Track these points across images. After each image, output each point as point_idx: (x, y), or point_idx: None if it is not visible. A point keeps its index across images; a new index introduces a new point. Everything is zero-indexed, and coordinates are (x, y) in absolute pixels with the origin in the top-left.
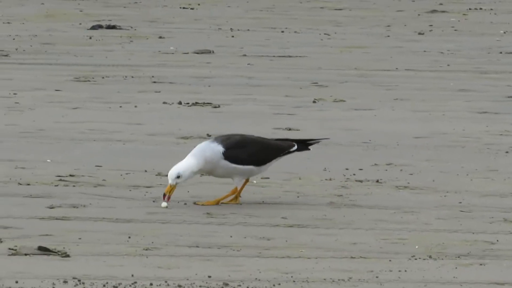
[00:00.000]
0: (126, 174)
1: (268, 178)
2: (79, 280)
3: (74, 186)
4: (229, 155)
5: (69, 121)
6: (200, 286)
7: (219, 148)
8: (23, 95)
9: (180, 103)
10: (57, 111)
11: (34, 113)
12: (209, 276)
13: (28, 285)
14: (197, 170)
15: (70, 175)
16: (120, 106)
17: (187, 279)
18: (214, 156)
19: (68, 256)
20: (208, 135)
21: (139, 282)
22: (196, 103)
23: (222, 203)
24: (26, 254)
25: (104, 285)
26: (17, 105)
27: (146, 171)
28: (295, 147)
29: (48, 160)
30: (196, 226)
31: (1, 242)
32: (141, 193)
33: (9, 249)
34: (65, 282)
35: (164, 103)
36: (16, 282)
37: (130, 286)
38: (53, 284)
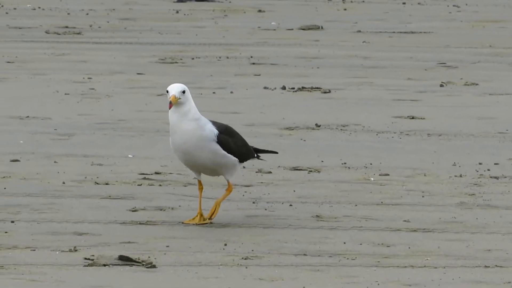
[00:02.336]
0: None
1: (388, 175)
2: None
3: (160, 185)
4: (221, 140)
5: (154, 110)
6: None
7: (214, 129)
8: (99, 80)
9: (283, 88)
10: (139, 99)
11: (112, 101)
12: None
13: None
14: (194, 110)
15: (156, 173)
16: (214, 92)
17: None
18: (208, 133)
19: (154, 266)
20: (317, 125)
21: None
22: (303, 88)
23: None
24: (105, 265)
25: None
26: (93, 91)
27: (244, 167)
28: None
29: (129, 156)
30: (303, 231)
31: (76, 251)
32: (238, 193)
33: (85, 259)
34: None
35: (265, 88)
36: None
37: None
38: None
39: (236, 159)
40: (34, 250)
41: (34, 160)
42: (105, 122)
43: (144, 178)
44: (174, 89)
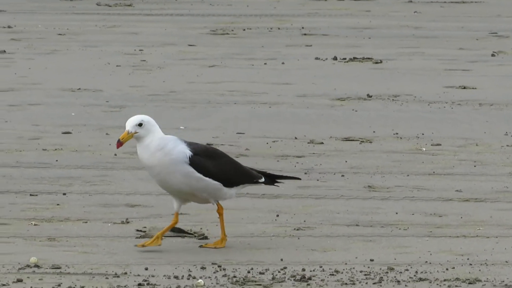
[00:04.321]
0: (273, 142)
1: (440, 145)
2: (219, 266)
3: None
4: (196, 162)
5: (205, 81)
6: (360, 272)
7: (186, 151)
8: (150, 51)
9: (335, 58)
10: (191, 70)
11: (164, 73)
12: (371, 260)
13: (160, 272)
14: (159, 137)
15: (208, 144)
16: (265, 63)
17: (345, 264)
18: (177, 155)
19: (206, 238)
20: (369, 96)
21: (290, 268)
22: (354, 58)
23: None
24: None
25: (248, 272)
26: (144, 63)
27: (296, 138)
28: (262, 179)
29: (181, 127)
30: (355, 202)
31: (128, 223)
32: (290, 164)
33: (137, 231)
34: (202, 268)
35: (317, 58)
36: (146, 269)
37: (279, 272)
38: (189, 270)
39: (218, 183)
40: (86, 222)
41: (85, 132)
42: (156, 94)
43: None
44: (129, 123)
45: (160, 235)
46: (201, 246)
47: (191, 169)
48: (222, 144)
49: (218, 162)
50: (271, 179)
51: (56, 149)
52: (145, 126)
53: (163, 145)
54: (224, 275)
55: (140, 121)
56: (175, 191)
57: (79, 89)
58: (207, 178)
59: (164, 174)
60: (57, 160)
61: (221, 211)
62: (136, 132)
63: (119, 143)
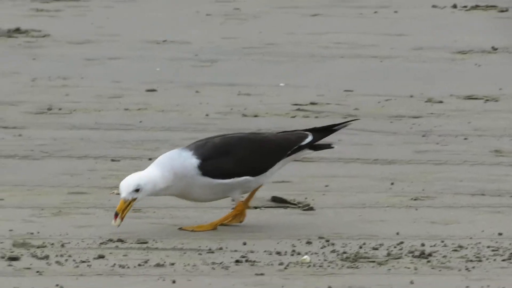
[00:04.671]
0: (386, 100)
1: None
2: (327, 241)
3: (316, 117)
4: (208, 169)
5: (307, 32)
6: (487, 247)
7: (193, 161)
8: None
9: (454, 6)
10: (291, 19)
11: (260, 23)
12: (500, 234)
13: (260, 247)
14: (164, 186)
15: (311, 103)
16: (375, 12)
17: (470, 238)
18: (187, 172)
19: (311, 209)
20: (494, 49)
21: (407, 243)
22: (477, 6)
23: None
24: (256, 208)
25: (360, 247)
26: (238, 12)
27: (412, 96)
28: (308, 138)
29: (281, 84)
30: (480, 168)
31: None
32: (406, 126)
33: (233, 201)
34: (308, 243)
35: (434, 6)
36: (244, 243)
37: (395, 247)
38: (293, 245)
39: (244, 178)
40: None
41: (173, 89)
42: (252, 47)
43: (299, 110)
44: (123, 189)
45: (216, 224)
46: (180, 229)
47: (207, 179)
48: (328, 103)
49: (236, 155)
50: (326, 131)
51: (139, 109)
52: (143, 189)
53: (172, 172)
54: (333, 251)
55: (136, 187)
56: (204, 201)
57: (165, 41)
58: (228, 180)
59: (189, 195)
60: (141, 121)
61: (240, 208)
62: (134, 199)
63: (117, 216)
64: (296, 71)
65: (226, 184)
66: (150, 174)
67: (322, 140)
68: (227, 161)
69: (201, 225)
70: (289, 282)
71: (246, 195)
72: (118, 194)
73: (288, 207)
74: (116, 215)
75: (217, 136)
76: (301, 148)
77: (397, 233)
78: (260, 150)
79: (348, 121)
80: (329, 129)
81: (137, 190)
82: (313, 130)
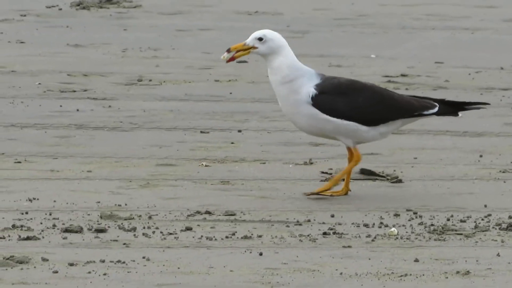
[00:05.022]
0: (476, 72)
1: None
2: (414, 213)
3: (407, 89)
4: (319, 102)
5: (399, 4)
6: None
7: (310, 90)
8: None
9: None
10: None
11: None
12: None
13: (348, 219)
14: (278, 73)
15: (402, 75)
16: None
17: None
18: (301, 96)
19: (400, 181)
20: None
21: (494, 215)
22: None
23: (322, 194)
24: (344, 180)
25: (448, 219)
26: None
27: (502, 68)
28: (435, 109)
29: (372, 56)
30: None
31: (311, 163)
32: (496, 98)
33: (322, 173)
34: (396, 215)
35: None
36: (332, 216)
37: (482, 220)
38: (381, 218)
39: (353, 123)
40: (264, 163)
41: (263, 61)
42: (344, 18)
43: (389, 81)
44: (250, 36)
45: (338, 179)
46: (306, 194)
47: (315, 110)
48: (418, 75)
49: (354, 98)
50: (453, 107)
51: (230, 80)
52: (267, 43)
53: (292, 78)
54: (421, 223)
55: (261, 35)
56: (309, 133)
57: (256, 12)
58: (335, 119)
59: (289, 113)
60: (231, 93)
61: (357, 159)
62: (254, 48)
63: (231, 58)
64: (387, 42)
65: (332, 122)
66: (283, 54)
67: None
68: (342, 101)
69: (324, 187)
70: (376, 255)
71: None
72: (207, 165)
73: (376, 179)
74: (228, 50)
75: (349, 79)
76: (422, 115)
77: (485, 206)
78: (378, 102)
79: (480, 103)
80: (458, 106)
81: (260, 39)
82: (441, 102)
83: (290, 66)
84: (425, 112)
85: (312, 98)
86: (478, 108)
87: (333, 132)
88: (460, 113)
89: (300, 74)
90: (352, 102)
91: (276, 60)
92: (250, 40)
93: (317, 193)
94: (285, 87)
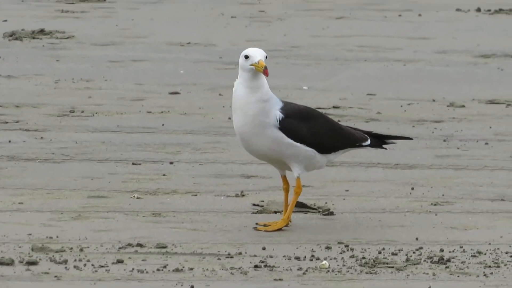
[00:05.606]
0: (408, 104)
1: None
2: (346, 246)
3: (339, 120)
4: (286, 126)
5: (332, 35)
6: (506, 253)
7: (277, 113)
8: (269, 1)
9: (478, 9)
10: (316, 22)
11: (285, 25)
12: None
13: (279, 252)
14: (254, 91)
15: (334, 107)
16: (399, 15)
17: (489, 244)
18: (269, 120)
19: (331, 213)
20: None
21: (426, 248)
22: (500, 10)
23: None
24: (276, 212)
25: (379, 252)
26: (262, 14)
27: (434, 100)
28: (368, 142)
29: (304, 87)
30: (501, 173)
31: (243, 196)
32: (427, 130)
33: (254, 205)
34: (327, 248)
35: (458, 10)
36: (263, 248)
37: (414, 252)
38: (312, 251)
39: (312, 149)
40: (196, 195)
41: (196, 92)
42: (276, 49)
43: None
44: (259, 53)
45: (288, 216)
46: (255, 228)
47: (280, 134)
48: (350, 107)
49: (313, 125)
50: (379, 140)
51: (162, 112)
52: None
53: (268, 97)
54: (352, 256)
55: (265, 54)
56: (259, 155)
57: (189, 43)
58: (298, 144)
59: (248, 134)
60: (163, 124)
61: (299, 191)
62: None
63: (268, 71)
64: (319, 74)
65: (294, 147)
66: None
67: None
68: (305, 127)
69: (274, 223)
70: None
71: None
72: (139, 197)
73: (308, 211)
74: (266, 69)
75: (303, 105)
76: (362, 147)
77: (417, 239)
78: (332, 130)
79: (404, 137)
80: (384, 139)
81: (266, 58)
82: (369, 135)
83: (267, 89)
84: (364, 144)
85: (280, 122)
86: (401, 139)
87: (290, 157)
88: (385, 146)
89: (271, 96)
90: (312, 128)
91: (261, 78)
92: (262, 57)
93: (269, 230)
94: (258, 106)
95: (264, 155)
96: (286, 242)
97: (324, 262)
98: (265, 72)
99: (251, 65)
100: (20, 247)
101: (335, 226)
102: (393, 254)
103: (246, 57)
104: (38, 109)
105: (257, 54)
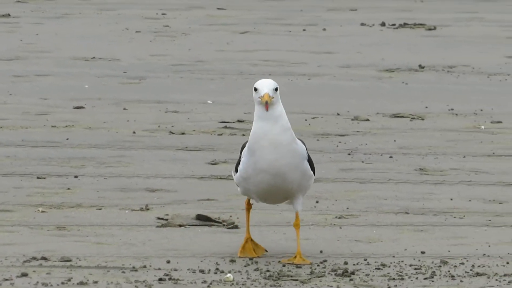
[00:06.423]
0: (312, 118)
1: (501, 122)
2: (250, 259)
3: (243, 135)
4: (309, 158)
5: (236, 50)
6: (410, 265)
7: (300, 142)
8: (174, 15)
9: (383, 24)
10: (220, 37)
11: (190, 40)
12: (423, 252)
13: (184, 265)
14: (285, 115)
15: (238, 121)
16: (304, 29)
17: (393, 256)
18: (300, 149)
19: (236, 227)
20: (421, 67)
21: (330, 261)
22: (405, 24)
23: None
24: (180, 226)
25: (283, 265)
26: (167, 29)
27: (338, 114)
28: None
29: (209, 102)
30: (405, 186)
31: (148, 210)
32: (332, 144)
33: (158, 219)
34: (232, 261)
35: (362, 24)
36: (168, 262)
37: (318, 265)
38: (217, 264)
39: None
40: (101, 209)
41: (100, 107)
42: (181, 64)
43: (226, 127)
44: (266, 85)
45: (300, 252)
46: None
47: (307, 166)
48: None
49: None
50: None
51: (66, 126)
52: (277, 93)
53: (289, 126)
54: (256, 269)
55: (276, 85)
56: (279, 192)
57: (94, 58)
58: (313, 176)
59: (287, 165)
60: (67, 139)
61: (299, 224)
62: (272, 98)
63: (268, 106)
64: (224, 88)
65: (311, 179)
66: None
67: None
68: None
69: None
70: None
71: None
72: (44, 211)
73: (212, 225)
74: (266, 104)
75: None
76: None
77: (321, 251)
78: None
79: None
80: None
81: (276, 89)
82: None
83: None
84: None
85: (307, 153)
86: None
87: (304, 190)
88: None
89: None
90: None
91: (279, 107)
92: (270, 91)
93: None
94: (287, 134)
95: (287, 191)
96: (190, 255)
97: (228, 275)
98: (265, 107)
99: (259, 98)
100: None
101: (240, 239)
102: (297, 267)
103: (255, 89)
104: None
105: (263, 87)
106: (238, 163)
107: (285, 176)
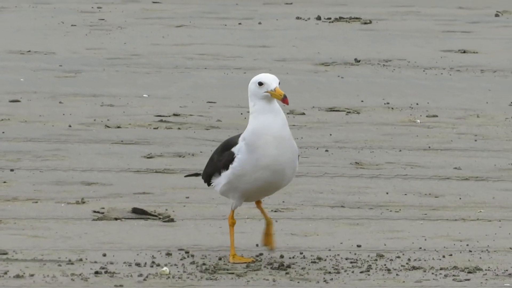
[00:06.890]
0: (248, 112)
1: (436, 116)
2: (186, 252)
3: (179, 128)
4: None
5: (172, 44)
6: (346, 259)
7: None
8: (109, 9)
9: (318, 18)
10: (156, 30)
11: (125, 33)
12: (358, 246)
13: (120, 258)
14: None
15: (174, 115)
16: (239, 23)
17: (329, 250)
18: (294, 147)
19: (172, 220)
20: (357, 61)
21: (266, 254)
22: (340, 18)
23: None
24: (116, 219)
25: (220, 259)
26: (102, 22)
27: None
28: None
29: (144, 95)
30: (341, 180)
31: (84, 203)
32: None
33: (94, 212)
34: (168, 254)
35: (298, 18)
36: (104, 255)
37: (256, 257)
38: (153, 257)
39: None
40: (37, 202)
41: (36, 100)
42: (116, 57)
43: (161, 121)
44: (274, 80)
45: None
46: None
47: (297, 161)
48: (191, 115)
49: None
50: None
51: (2, 120)
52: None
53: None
54: (192, 262)
55: (279, 80)
56: (272, 187)
57: (29, 51)
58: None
59: (286, 163)
60: (3, 132)
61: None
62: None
63: (288, 100)
64: (160, 82)
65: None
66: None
67: None
68: None
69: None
70: None
71: None
72: None
73: (148, 218)
74: (286, 98)
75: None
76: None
77: (257, 245)
78: None
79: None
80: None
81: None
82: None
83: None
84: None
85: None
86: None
87: (286, 185)
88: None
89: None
90: None
91: (274, 101)
92: (277, 84)
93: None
94: (287, 129)
95: (278, 186)
96: (126, 249)
97: (164, 268)
98: (285, 101)
99: (267, 91)
100: None
101: (176, 232)
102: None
103: (260, 84)
104: None
105: (271, 81)
106: (208, 165)
107: (284, 172)
